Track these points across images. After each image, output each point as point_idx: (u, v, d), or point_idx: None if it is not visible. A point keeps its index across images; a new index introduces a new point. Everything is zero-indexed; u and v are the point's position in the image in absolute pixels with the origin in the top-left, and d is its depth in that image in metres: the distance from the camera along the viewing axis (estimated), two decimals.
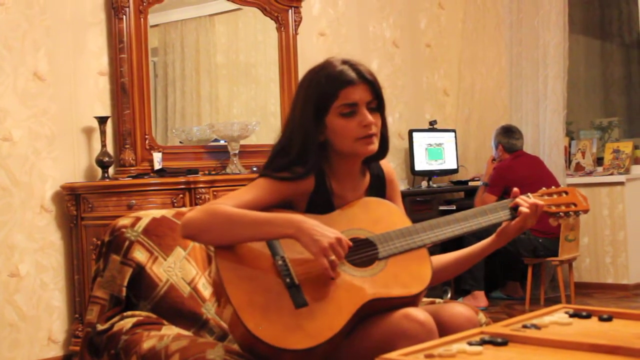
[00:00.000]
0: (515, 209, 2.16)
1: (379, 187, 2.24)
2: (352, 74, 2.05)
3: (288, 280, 1.94)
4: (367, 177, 2.23)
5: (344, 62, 2.09)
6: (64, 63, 4.31)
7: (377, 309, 1.93)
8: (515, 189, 2.22)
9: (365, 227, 2.07)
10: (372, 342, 1.88)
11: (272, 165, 2.10)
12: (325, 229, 1.92)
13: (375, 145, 2.10)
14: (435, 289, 5.45)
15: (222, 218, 1.97)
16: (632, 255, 5.98)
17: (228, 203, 2.01)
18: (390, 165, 2.31)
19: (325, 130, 2.08)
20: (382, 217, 2.11)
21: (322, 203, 2.10)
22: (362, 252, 2.01)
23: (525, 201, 2.15)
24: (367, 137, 2.07)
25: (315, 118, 2.06)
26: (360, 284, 1.95)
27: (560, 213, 2.22)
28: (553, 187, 2.31)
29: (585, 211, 2.25)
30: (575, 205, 2.24)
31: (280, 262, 1.97)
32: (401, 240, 2.04)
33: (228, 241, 1.99)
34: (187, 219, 2.01)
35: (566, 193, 2.26)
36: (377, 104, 2.10)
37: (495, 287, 5.96)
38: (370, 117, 2.06)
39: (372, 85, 2.08)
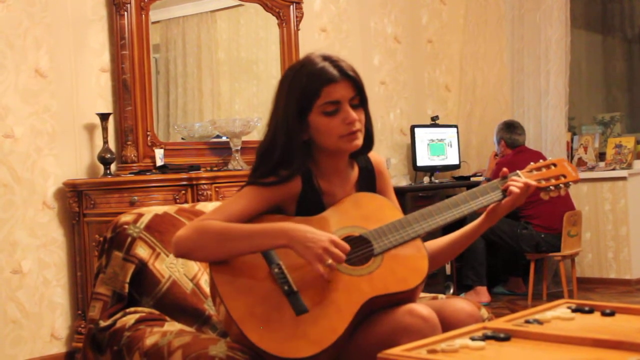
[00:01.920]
0: (506, 189, 2.14)
1: (368, 179, 2.22)
2: (333, 71, 2.03)
3: (286, 287, 1.93)
4: (356, 170, 2.21)
5: (325, 58, 2.06)
6: (66, 60, 4.31)
7: (377, 305, 1.93)
8: (505, 169, 2.20)
9: (358, 223, 2.06)
10: (376, 339, 1.87)
11: (257, 172, 2.08)
12: (317, 234, 1.90)
13: (359, 141, 2.08)
14: (438, 285, 5.45)
15: (213, 235, 1.96)
16: (634, 250, 5.97)
17: (217, 217, 2.00)
18: (379, 156, 2.29)
19: (309, 128, 2.06)
20: (374, 211, 2.09)
21: (311, 203, 2.08)
22: (358, 250, 2.00)
23: (517, 181, 2.14)
24: (350, 134, 2.05)
25: (298, 117, 2.04)
26: (358, 283, 1.94)
27: (551, 187, 2.19)
28: (541, 160, 2.28)
29: (575, 181, 2.21)
30: (564, 176, 2.20)
31: (276, 270, 1.96)
32: (395, 233, 2.02)
33: (221, 257, 1.98)
34: (178, 238, 2.00)
35: (555, 165, 2.22)
36: (360, 100, 2.08)
37: (498, 283, 5.96)
38: (353, 114, 2.04)
39: (354, 81, 2.05)
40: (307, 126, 2.06)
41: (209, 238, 1.96)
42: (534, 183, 2.15)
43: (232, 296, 1.92)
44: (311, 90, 2.03)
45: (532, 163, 2.24)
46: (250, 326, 1.87)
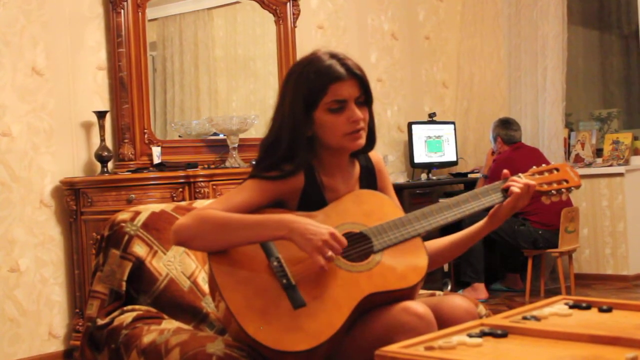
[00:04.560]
0: (507, 190, 2.14)
1: (369, 177, 2.23)
2: (341, 69, 2.04)
3: (285, 281, 1.93)
4: (357, 167, 2.22)
5: (332, 55, 2.07)
6: (62, 58, 4.31)
7: (376, 302, 1.93)
8: (505, 171, 2.20)
9: (358, 220, 2.06)
10: (372, 336, 1.88)
11: (261, 165, 2.08)
12: (317, 226, 1.91)
13: (362, 140, 2.09)
14: (435, 282, 5.45)
15: (213, 223, 1.96)
16: (631, 246, 5.98)
17: (218, 207, 2.00)
18: (378, 154, 2.30)
19: (313, 125, 2.07)
20: (374, 209, 2.10)
21: (314, 198, 2.09)
22: (357, 246, 2.01)
23: (517, 182, 2.14)
24: (355, 132, 2.06)
25: (304, 113, 2.05)
26: (357, 279, 1.94)
27: (552, 191, 2.19)
28: (543, 165, 2.29)
29: (577, 187, 2.22)
30: (566, 181, 2.21)
31: (275, 263, 1.96)
32: (395, 231, 2.03)
33: (220, 246, 1.98)
34: (177, 225, 2.00)
35: (557, 170, 2.22)
36: (365, 98, 2.09)
37: (495, 279, 5.97)
38: (358, 113, 2.05)
39: (361, 80, 2.07)
40: (312, 122, 2.06)
41: (209, 227, 1.96)
42: (533, 182, 2.15)
43: (231, 287, 1.92)
44: (318, 87, 2.03)
45: (534, 167, 2.25)
46: (247, 319, 1.87)
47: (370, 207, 2.11)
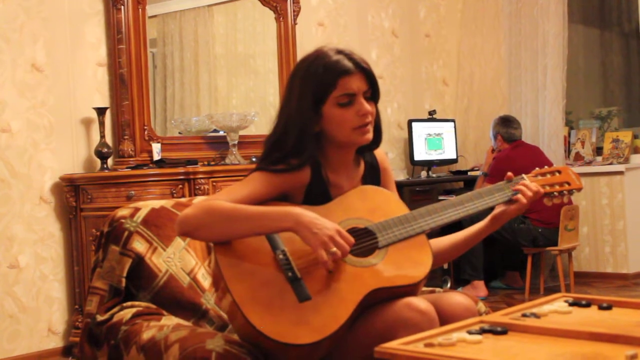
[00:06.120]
0: (514, 192, 2.15)
1: (373, 175, 2.24)
2: (348, 64, 2.05)
3: (290, 274, 1.93)
4: (362, 165, 2.23)
5: (338, 51, 2.08)
6: (62, 54, 4.31)
7: (379, 298, 1.93)
8: (509, 173, 2.21)
9: (363, 216, 2.06)
10: (375, 332, 1.88)
11: (267, 159, 2.09)
12: (324, 222, 1.91)
13: (370, 134, 2.10)
14: (435, 279, 5.46)
15: (219, 214, 1.96)
16: (631, 244, 5.98)
17: (224, 198, 2.00)
18: (383, 152, 2.30)
19: (321, 120, 2.07)
20: (380, 205, 2.11)
21: (319, 194, 2.09)
22: (362, 241, 2.01)
23: (528, 190, 2.15)
24: (363, 126, 2.07)
25: (313, 108, 2.05)
26: (362, 274, 1.94)
27: (555, 193, 2.21)
28: (546, 166, 2.30)
29: (579, 189, 2.24)
30: (568, 184, 2.23)
31: (281, 256, 1.96)
32: (400, 227, 2.03)
33: (225, 237, 1.98)
34: (182, 216, 2.00)
35: (559, 172, 2.25)
36: (372, 93, 2.10)
37: (495, 277, 5.97)
38: (367, 106, 2.06)
39: (368, 74, 2.08)
40: (320, 117, 2.07)
41: (215, 217, 1.96)
42: (542, 190, 2.17)
43: (236, 279, 1.92)
44: (327, 82, 2.04)
45: (537, 168, 2.26)
46: (252, 310, 1.87)
47: (375, 203, 2.11)
